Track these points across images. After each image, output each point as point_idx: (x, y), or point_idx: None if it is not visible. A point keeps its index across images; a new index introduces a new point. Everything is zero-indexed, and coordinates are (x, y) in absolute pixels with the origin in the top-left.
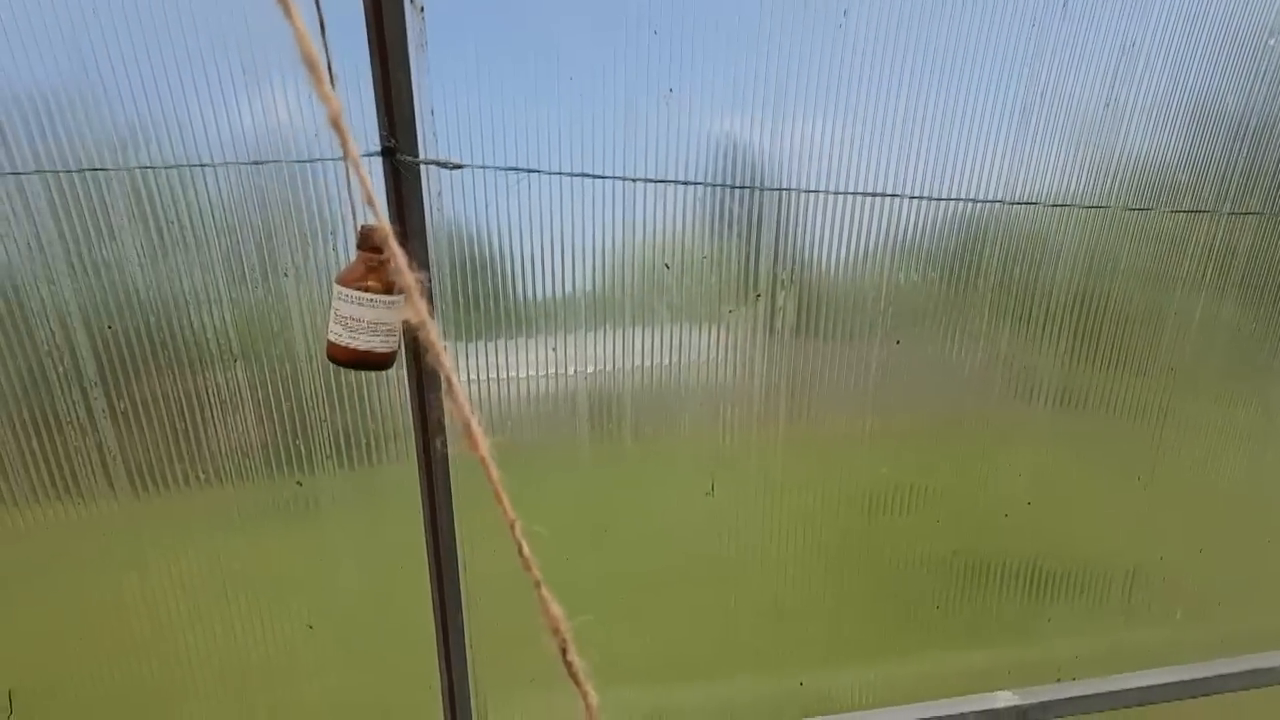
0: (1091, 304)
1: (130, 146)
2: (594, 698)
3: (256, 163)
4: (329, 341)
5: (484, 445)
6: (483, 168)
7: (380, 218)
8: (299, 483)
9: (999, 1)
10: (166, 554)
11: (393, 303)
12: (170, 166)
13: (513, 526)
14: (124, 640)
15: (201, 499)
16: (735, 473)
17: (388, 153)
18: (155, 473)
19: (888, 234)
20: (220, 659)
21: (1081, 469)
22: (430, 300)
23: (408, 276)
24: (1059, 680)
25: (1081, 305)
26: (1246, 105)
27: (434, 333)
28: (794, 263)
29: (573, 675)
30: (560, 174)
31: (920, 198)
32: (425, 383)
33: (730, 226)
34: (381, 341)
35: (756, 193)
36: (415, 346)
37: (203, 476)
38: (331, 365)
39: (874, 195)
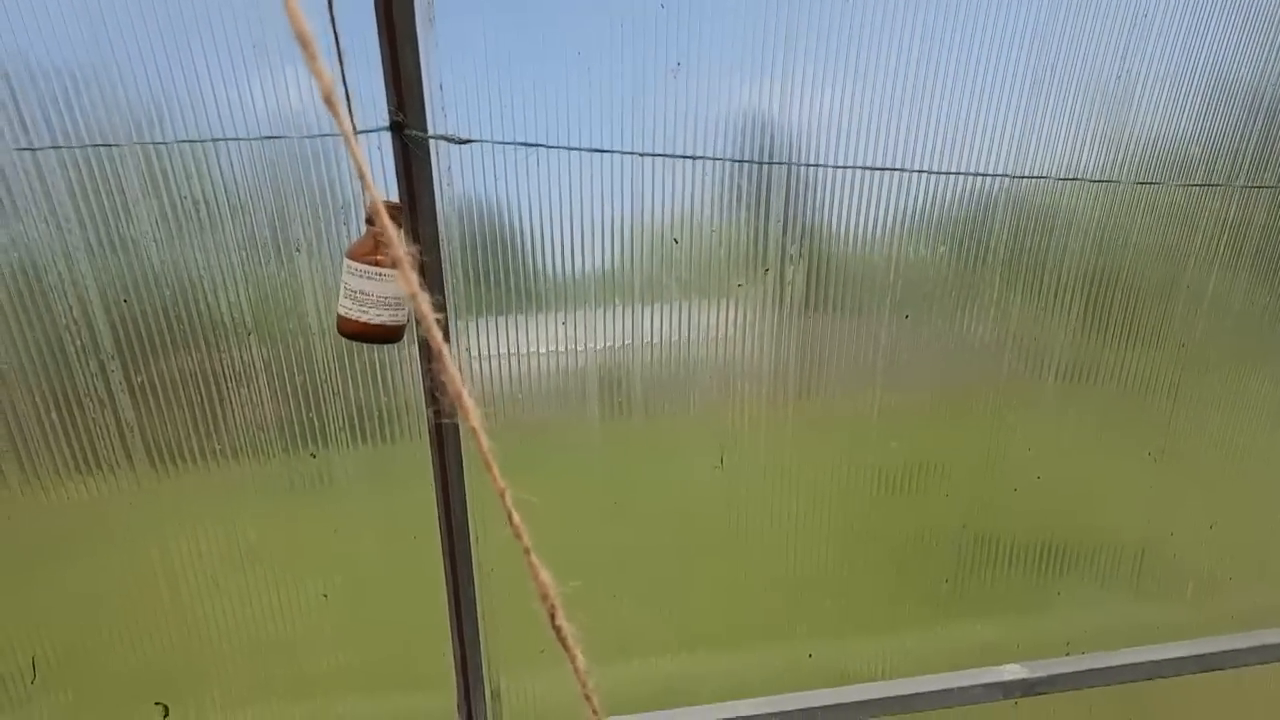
0: (1102, 278)
1: (145, 123)
2: (582, 661)
3: (269, 138)
4: (339, 315)
5: (474, 415)
6: (492, 143)
7: (371, 190)
8: (313, 455)
9: None
10: (184, 526)
11: None
12: (184, 141)
13: (503, 495)
14: (143, 610)
15: (218, 472)
16: (745, 447)
17: (396, 128)
18: (173, 446)
19: (897, 208)
20: (237, 629)
21: (1092, 444)
22: (440, 275)
23: (397, 248)
24: (1068, 654)
25: (1092, 280)
26: (1261, 78)
27: (425, 304)
28: (803, 237)
29: (561, 640)
30: (569, 149)
31: (929, 172)
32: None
33: (739, 201)
34: (390, 315)
35: (765, 167)
36: None
37: (219, 450)
38: (344, 340)
39: (883, 169)
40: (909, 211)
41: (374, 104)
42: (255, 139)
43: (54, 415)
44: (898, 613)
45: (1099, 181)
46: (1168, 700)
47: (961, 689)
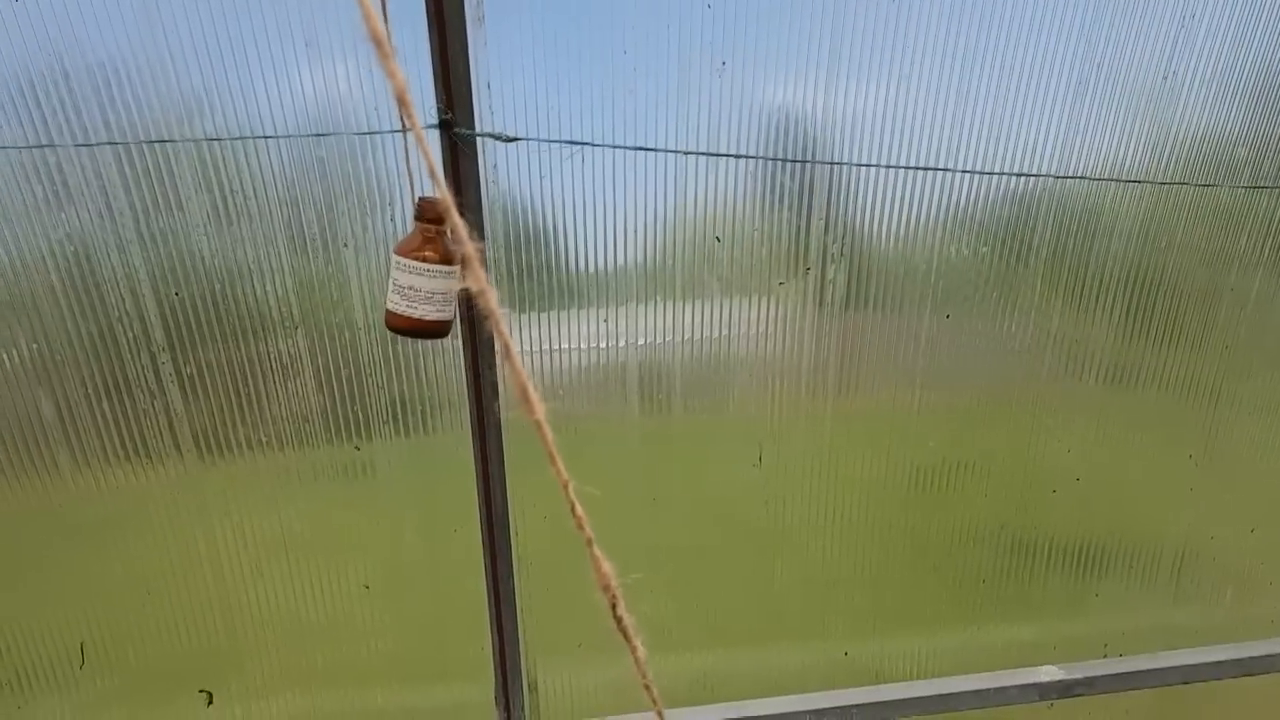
0: (1145, 279)
1: (196, 116)
2: (642, 651)
3: (319, 135)
4: (388, 310)
5: (540, 410)
6: (537, 140)
7: (443, 190)
8: (357, 448)
9: None
10: (229, 514)
11: (449, 273)
12: (235, 138)
13: (566, 487)
14: (188, 597)
15: (263, 462)
16: (783, 444)
17: (444, 125)
18: (220, 436)
19: (939, 207)
20: (280, 617)
21: (1132, 446)
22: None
23: (468, 246)
24: (1105, 656)
25: (1135, 281)
26: None
27: (493, 300)
28: (845, 236)
29: (622, 630)
30: (613, 147)
31: (973, 171)
32: (479, 351)
33: (781, 200)
34: (438, 310)
35: (808, 166)
36: (470, 316)
37: (264, 440)
38: (389, 333)
39: (927, 169)
40: (951, 211)
41: (420, 102)
42: (306, 136)
43: (105, 404)
44: (934, 612)
45: (1144, 182)
46: (1206, 704)
47: (998, 689)
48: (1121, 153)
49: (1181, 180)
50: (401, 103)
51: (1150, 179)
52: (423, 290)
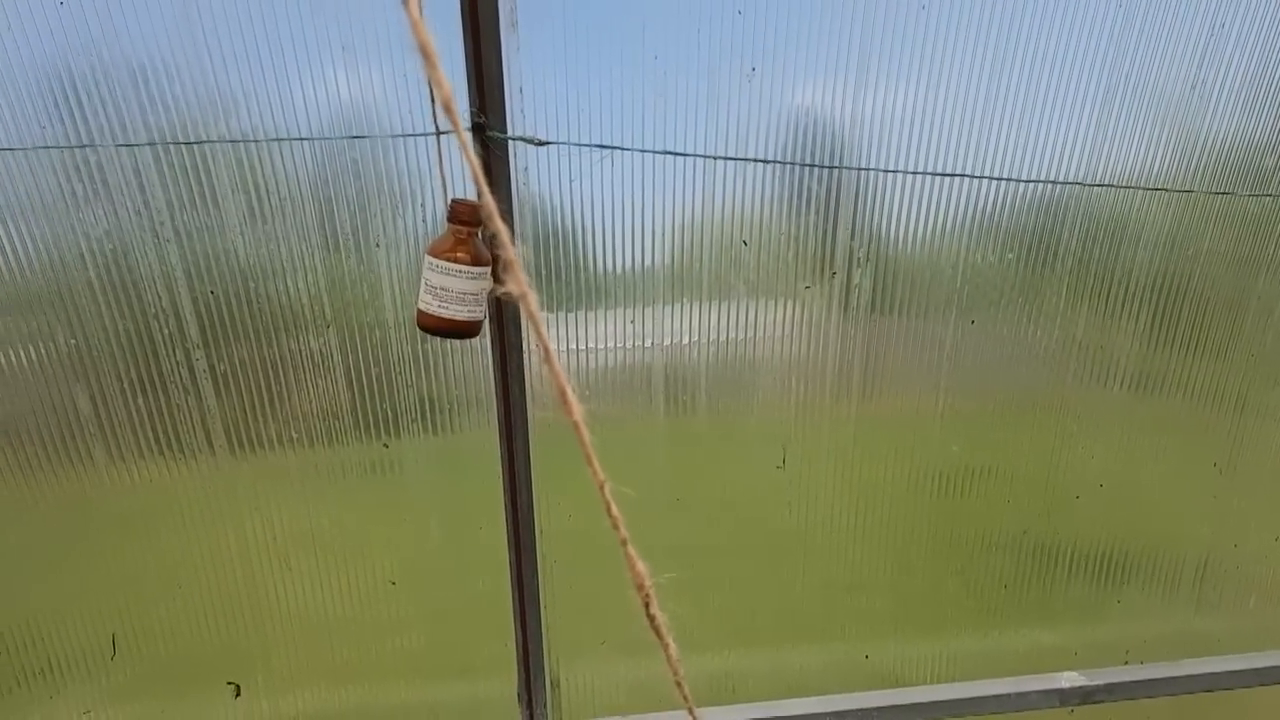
0: (1171, 287)
1: (233, 116)
2: (675, 649)
3: (353, 137)
4: (419, 310)
5: (578, 410)
6: (568, 144)
7: (486, 195)
8: (385, 445)
9: None
10: (259, 510)
11: (480, 274)
12: (271, 140)
13: (602, 487)
14: (218, 590)
15: (293, 458)
16: (807, 447)
17: (478, 129)
18: (251, 432)
19: (965, 213)
20: (307, 611)
21: (1157, 453)
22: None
23: (510, 250)
24: (1126, 663)
25: (1161, 289)
26: None
27: (534, 304)
28: (871, 241)
29: (655, 628)
30: (643, 151)
31: (1000, 178)
32: (508, 351)
33: (808, 204)
34: (469, 311)
35: (835, 171)
36: (499, 316)
37: (294, 437)
38: (419, 333)
39: (953, 175)
40: (977, 217)
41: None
42: (340, 138)
43: (139, 399)
44: (956, 617)
45: (1171, 190)
46: (1227, 713)
47: (1019, 695)
48: (1149, 161)
49: (1209, 189)
50: (448, 110)
51: (1178, 187)
52: (454, 291)
